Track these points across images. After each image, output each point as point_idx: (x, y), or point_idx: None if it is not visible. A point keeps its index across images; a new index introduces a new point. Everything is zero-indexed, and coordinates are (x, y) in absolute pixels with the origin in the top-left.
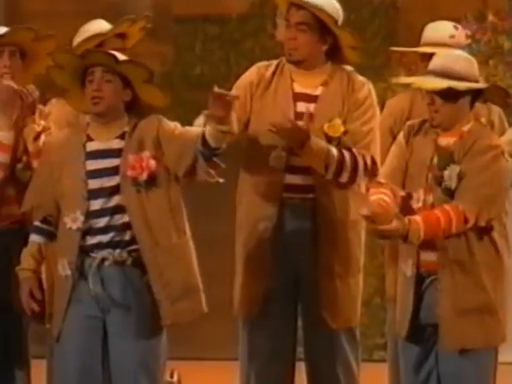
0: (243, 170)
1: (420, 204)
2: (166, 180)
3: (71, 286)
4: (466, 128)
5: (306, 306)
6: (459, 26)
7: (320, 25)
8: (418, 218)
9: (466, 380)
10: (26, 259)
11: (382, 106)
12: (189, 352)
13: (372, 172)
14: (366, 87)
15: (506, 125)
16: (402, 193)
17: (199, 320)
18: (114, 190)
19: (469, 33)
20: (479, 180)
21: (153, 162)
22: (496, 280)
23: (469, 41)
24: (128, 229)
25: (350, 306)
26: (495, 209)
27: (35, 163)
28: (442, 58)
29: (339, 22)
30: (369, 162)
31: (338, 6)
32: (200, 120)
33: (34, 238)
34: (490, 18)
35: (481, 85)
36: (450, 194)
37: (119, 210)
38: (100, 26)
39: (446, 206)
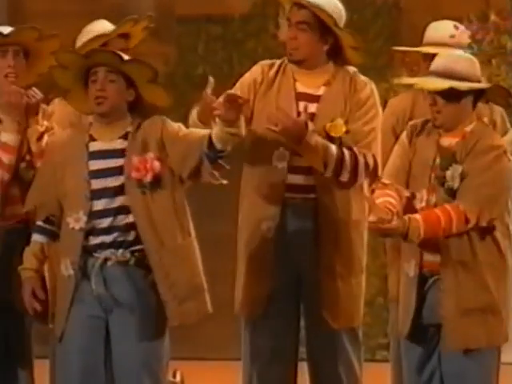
0: (246, 169)
1: (423, 204)
2: (170, 181)
3: (74, 286)
4: (468, 128)
5: (308, 306)
6: (459, 26)
7: (321, 25)
8: (418, 216)
9: (469, 380)
10: (29, 259)
11: (384, 106)
12: (191, 352)
13: (373, 172)
14: (369, 87)
15: (508, 125)
16: (407, 193)
17: (202, 320)
18: (118, 191)
19: (469, 33)
20: (481, 180)
21: (157, 164)
22: (499, 280)
23: (469, 41)
24: (131, 229)
25: (351, 307)
26: (497, 209)
27: (38, 163)
28: (444, 59)
29: (341, 23)
30: (370, 161)
31: (340, 6)
32: (194, 114)
33: (37, 237)
34: (493, 17)
35: (483, 85)
36: (453, 194)
37: (123, 210)
38: (103, 26)
39: (447, 206)
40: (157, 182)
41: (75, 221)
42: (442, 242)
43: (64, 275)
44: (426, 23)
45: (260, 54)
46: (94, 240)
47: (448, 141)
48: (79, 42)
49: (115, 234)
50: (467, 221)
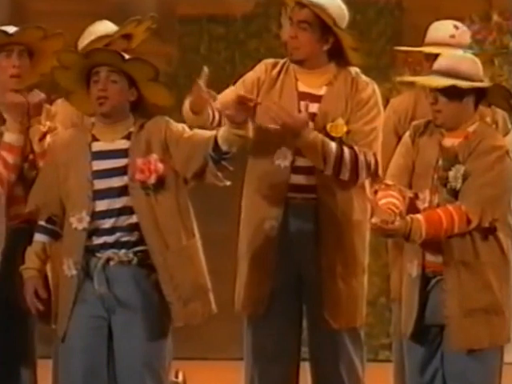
0: (248, 168)
1: (426, 204)
2: (174, 182)
3: (76, 286)
4: (471, 129)
5: (310, 306)
6: (460, 26)
7: (322, 24)
8: (420, 217)
9: (471, 380)
10: (31, 258)
11: (386, 105)
12: (194, 352)
13: (374, 170)
14: (370, 87)
15: (510, 125)
16: (411, 194)
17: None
18: (122, 191)
19: (469, 33)
20: (483, 180)
21: (161, 166)
22: (502, 280)
23: (470, 41)
24: (135, 230)
25: (352, 307)
26: (499, 209)
27: (40, 163)
28: (447, 59)
29: (344, 23)
30: (370, 159)
31: (343, 6)
32: (186, 104)
33: (39, 237)
34: (495, 18)
35: (484, 84)
36: (455, 194)
37: (126, 210)
38: (105, 27)
39: (449, 206)
40: (161, 183)
41: (78, 221)
42: (445, 242)
43: (67, 275)
44: (429, 23)
45: (262, 54)
46: (97, 240)
47: (451, 141)
48: (82, 43)
49: (118, 235)
50: (469, 221)
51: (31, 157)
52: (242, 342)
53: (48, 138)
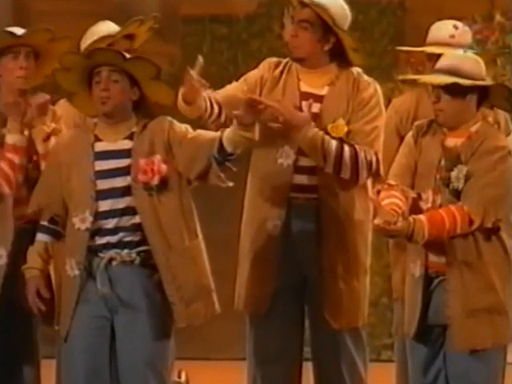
0: (251, 167)
1: (429, 205)
2: (177, 183)
3: (79, 286)
4: (473, 129)
5: (311, 306)
6: (459, 26)
7: (323, 24)
8: (422, 217)
9: (474, 380)
10: (33, 258)
11: (388, 105)
12: (196, 352)
13: (375, 169)
14: (372, 87)
15: (511, 126)
16: (414, 194)
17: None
18: (125, 191)
19: (470, 33)
20: (485, 180)
21: (164, 166)
22: (505, 280)
23: (470, 40)
24: (138, 230)
25: (354, 307)
26: (502, 210)
27: (43, 164)
28: (450, 58)
29: (345, 23)
30: (371, 158)
31: (345, 6)
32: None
33: (41, 237)
34: (498, 17)
35: (486, 82)
36: (458, 195)
37: (129, 211)
38: (108, 27)
39: (452, 207)
40: (164, 184)
41: (81, 221)
42: (448, 242)
43: (69, 275)
44: (431, 23)
45: (265, 54)
46: (100, 240)
47: (453, 141)
48: (84, 44)
49: (121, 235)
50: (471, 222)
51: (35, 158)
52: (245, 342)
53: (52, 140)
